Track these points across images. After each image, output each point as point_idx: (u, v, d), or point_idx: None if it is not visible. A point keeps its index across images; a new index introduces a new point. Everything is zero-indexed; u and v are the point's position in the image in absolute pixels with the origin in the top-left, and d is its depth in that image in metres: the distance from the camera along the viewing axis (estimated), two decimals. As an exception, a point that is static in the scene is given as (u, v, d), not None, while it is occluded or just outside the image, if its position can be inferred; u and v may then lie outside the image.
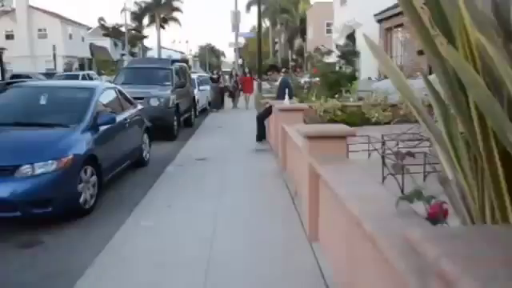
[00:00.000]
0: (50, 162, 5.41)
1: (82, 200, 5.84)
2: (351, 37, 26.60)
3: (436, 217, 2.43)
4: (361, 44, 24.35)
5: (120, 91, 8.52)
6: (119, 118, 7.54)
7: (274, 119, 9.11)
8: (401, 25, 18.83)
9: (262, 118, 10.19)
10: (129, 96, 9.03)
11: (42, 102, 7.04)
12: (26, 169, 5.29)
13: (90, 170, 6.09)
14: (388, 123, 11.88)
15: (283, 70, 16.78)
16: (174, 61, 15.24)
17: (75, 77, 29.43)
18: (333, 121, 11.79)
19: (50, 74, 35.09)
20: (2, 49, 27.45)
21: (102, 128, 6.73)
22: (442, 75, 1.91)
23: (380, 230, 2.32)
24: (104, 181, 6.60)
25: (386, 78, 18.14)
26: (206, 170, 8.52)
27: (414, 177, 5.27)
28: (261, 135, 10.14)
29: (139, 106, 9.37)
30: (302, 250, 4.63)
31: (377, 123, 11.85)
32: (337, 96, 16.37)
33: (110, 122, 6.86)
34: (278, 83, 9.97)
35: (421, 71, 16.36)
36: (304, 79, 20.44)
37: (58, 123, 6.36)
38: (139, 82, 13.28)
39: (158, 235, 5.24)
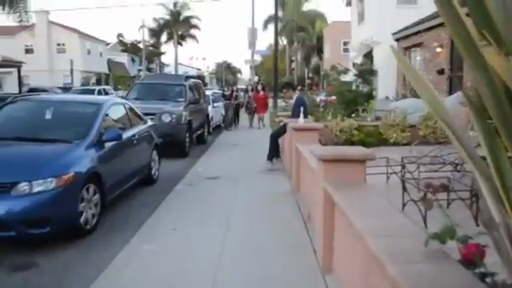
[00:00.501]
0: (50, 179, 5.12)
1: (82, 220, 5.54)
2: (369, 55, 26.23)
3: (471, 259, 2.06)
4: (378, 62, 23.97)
5: (129, 107, 8.27)
6: (127, 135, 7.28)
7: (288, 138, 8.77)
8: (420, 44, 18.44)
9: (276, 137, 9.86)
10: (139, 112, 8.78)
11: (47, 116, 6.79)
12: (23, 186, 5.00)
13: (92, 188, 5.80)
14: (407, 144, 11.46)
15: (299, 87, 16.33)
16: (188, 77, 15.04)
17: (91, 91, 29.45)
18: (349, 141, 11.41)
19: (67, 89, 35.38)
20: (20, 63, 27.61)
21: (108, 144, 6.46)
22: (487, 88, 1.55)
23: (405, 274, 1.95)
24: (108, 200, 6.31)
25: (404, 97, 17.74)
26: (217, 189, 8.19)
27: (437, 205, 4.89)
28: (273, 154, 9.78)
29: (149, 122, 9.12)
30: (313, 282, 4.25)
31: (395, 144, 11.44)
32: (353, 115, 16.01)
33: (117, 138, 6.59)
34: (293, 101, 9.66)
35: (440, 91, 15.95)
36: (320, 97, 19.81)
37: (62, 139, 6.09)
38: (152, 97, 13.09)
39: (161, 260, 4.91)
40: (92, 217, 5.76)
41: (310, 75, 55.83)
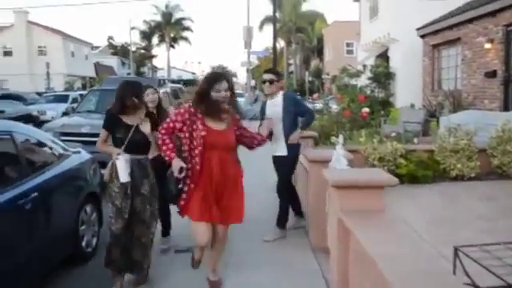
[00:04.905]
0: None
1: None
2: (383, 56, 22.71)
3: None
4: (396, 64, 20.49)
5: (27, 137, 4.63)
6: (11, 194, 3.67)
7: (313, 187, 5.08)
8: (456, 40, 14.86)
9: (287, 182, 5.72)
10: (58, 142, 5.18)
11: None
12: None
13: None
14: (475, 178, 7.87)
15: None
16: (163, 80, 11.36)
17: (65, 98, 25.70)
18: (392, 173, 7.79)
19: (41, 94, 32.01)
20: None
21: None
22: None
23: None
24: None
25: (440, 106, 14.16)
26: None
27: None
28: (286, 215, 5.69)
29: (84, 158, 5.51)
30: None
31: (457, 178, 7.83)
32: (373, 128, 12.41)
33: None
34: (278, 101, 5.43)
35: (492, 98, 12.35)
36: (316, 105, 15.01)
37: None
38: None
39: None
40: None
41: (310, 79, 52.21)
